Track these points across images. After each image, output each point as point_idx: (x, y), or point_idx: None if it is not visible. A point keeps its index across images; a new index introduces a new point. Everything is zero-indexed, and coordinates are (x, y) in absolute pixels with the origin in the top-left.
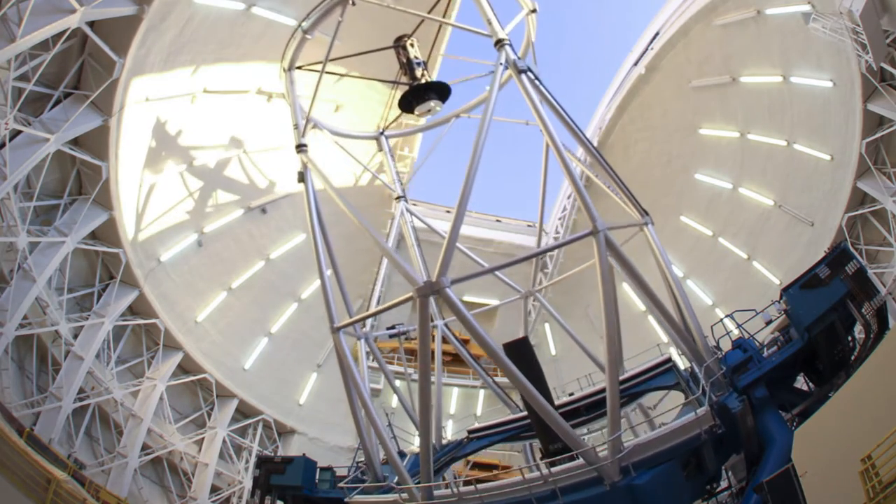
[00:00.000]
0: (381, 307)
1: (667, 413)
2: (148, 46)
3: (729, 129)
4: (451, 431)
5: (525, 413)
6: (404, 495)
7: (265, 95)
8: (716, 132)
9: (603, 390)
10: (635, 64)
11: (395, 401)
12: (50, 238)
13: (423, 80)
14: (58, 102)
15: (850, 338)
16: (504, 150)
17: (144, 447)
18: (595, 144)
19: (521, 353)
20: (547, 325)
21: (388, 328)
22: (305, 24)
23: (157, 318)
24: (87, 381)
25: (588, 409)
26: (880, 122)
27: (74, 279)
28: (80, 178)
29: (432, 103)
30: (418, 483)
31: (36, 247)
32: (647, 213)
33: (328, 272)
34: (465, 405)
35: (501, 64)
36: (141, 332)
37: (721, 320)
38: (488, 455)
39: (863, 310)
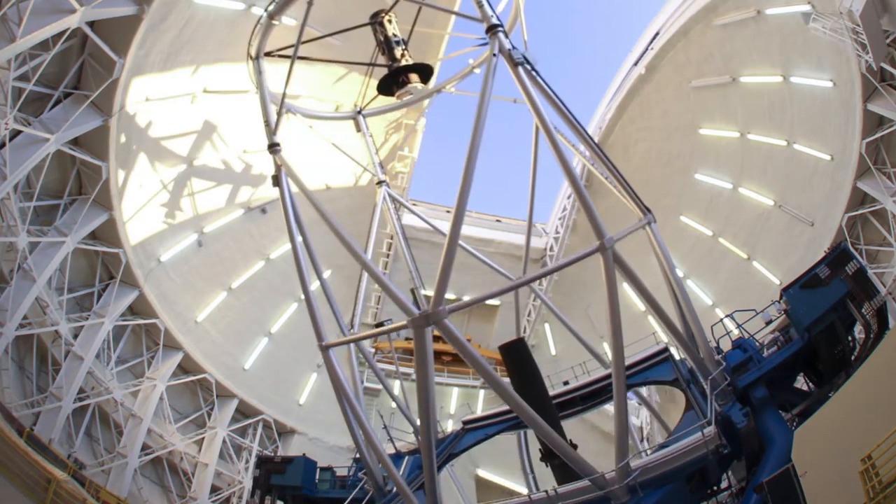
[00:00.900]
0: (373, 332)
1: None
2: (148, 46)
3: (729, 129)
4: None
5: None
6: None
7: None
8: (716, 132)
9: (597, 380)
10: (635, 64)
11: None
12: (50, 238)
13: (402, 62)
14: (58, 102)
15: (850, 338)
16: (504, 150)
17: (144, 447)
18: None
19: (517, 354)
20: (547, 325)
21: (377, 325)
22: (272, 8)
23: (157, 318)
24: (87, 381)
25: (584, 399)
26: (880, 122)
27: (74, 279)
28: (80, 178)
29: (417, 86)
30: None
31: (36, 247)
32: (649, 211)
33: (313, 287)
34: (465, 405)
35: (494, 54)
36: (141, 332)
37: (721, 320)
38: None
39: (863, 310)
